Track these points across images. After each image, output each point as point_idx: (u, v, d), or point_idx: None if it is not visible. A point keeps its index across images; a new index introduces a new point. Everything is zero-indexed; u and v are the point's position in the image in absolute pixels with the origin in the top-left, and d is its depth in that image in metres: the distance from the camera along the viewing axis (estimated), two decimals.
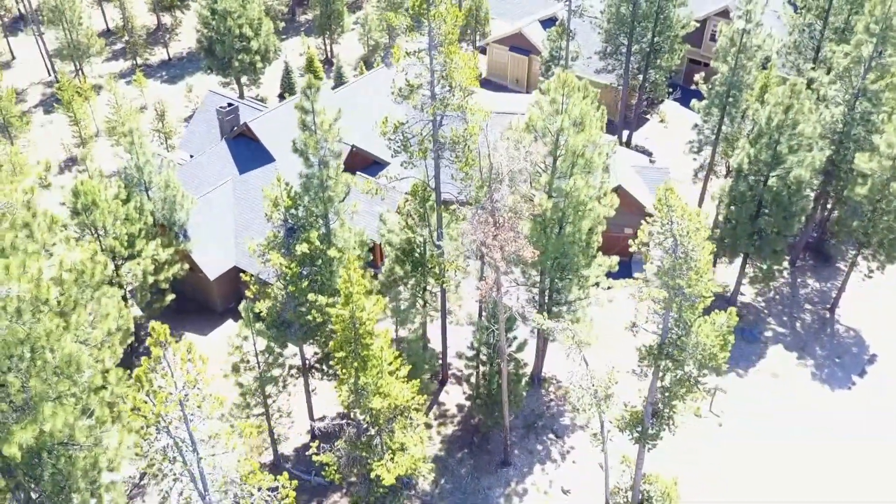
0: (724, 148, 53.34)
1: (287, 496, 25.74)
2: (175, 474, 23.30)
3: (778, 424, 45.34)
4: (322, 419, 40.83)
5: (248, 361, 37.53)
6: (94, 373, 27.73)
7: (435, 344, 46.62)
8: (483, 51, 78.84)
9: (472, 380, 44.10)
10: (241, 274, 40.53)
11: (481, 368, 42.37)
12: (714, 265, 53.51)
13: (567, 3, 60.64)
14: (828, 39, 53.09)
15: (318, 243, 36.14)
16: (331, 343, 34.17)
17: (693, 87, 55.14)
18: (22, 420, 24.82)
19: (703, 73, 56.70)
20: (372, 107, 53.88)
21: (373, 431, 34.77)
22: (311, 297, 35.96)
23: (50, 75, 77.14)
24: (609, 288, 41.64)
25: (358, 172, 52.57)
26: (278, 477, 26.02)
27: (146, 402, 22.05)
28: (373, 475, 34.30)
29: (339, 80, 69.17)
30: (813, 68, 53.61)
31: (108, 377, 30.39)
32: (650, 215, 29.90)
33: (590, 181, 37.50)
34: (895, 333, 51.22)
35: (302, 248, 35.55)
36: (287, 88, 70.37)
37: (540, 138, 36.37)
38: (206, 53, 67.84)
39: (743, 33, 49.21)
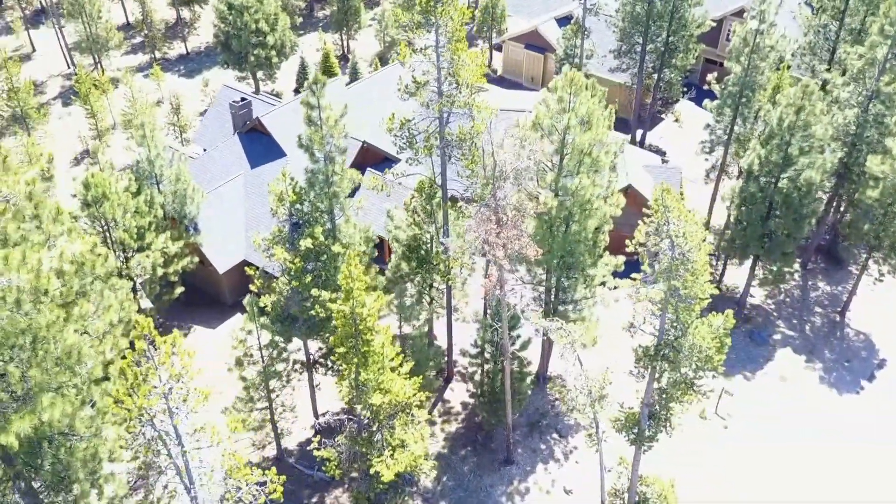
0: (736, 148, 52.99)
1: (275, 491, 25.82)
2: (161, 467, 23.47)
3: (785, 427, 45.04)
4: (325, 414, 40.96)
5: (251, 356, 37.71)
6: (96, 364, 27.97)
7: (441, 341, 46.72)
8: (499, 48, 78.78)
9: (477, 377, 44.12)
10: (246, 268, 40.79)
11: (485, 366, 42.40)
12: (724, 266, 53.22)
13: (582, 1, 60.48)
14: (843, 41, 52.53)
15: (322, 239, 36.27)
16: (332, 338, 34.29)
17: (706, 87, 54.79)
18: (21, 410, 25.08)
19: (715, 73, 56.25)
20: (384, 103, 53.79)
21: (373, 427, 34.86)
22: (314, 292, 36.10)
23: (69, 68, 77.89)
24: (615, 288, 41.48)
25: (368, 168, 52.68)
26: (266, 472, 26.07)
27: (129, 396, 22.24)
28: (372, 471, 34.40)
29: (355, 76, 69.42)
30: (828, 70, 53.12)
31: (109, 369, 30.64)
32: (648, 215, 29.77)
33: (596, 180, 37.37)
34: None
35: (306, 243, 35.70)
36: (303, 84, 70.35)
37: (546, 136, 36.28)
38: (222, 48, 68.39)
39: (756, 34, 48.85)
